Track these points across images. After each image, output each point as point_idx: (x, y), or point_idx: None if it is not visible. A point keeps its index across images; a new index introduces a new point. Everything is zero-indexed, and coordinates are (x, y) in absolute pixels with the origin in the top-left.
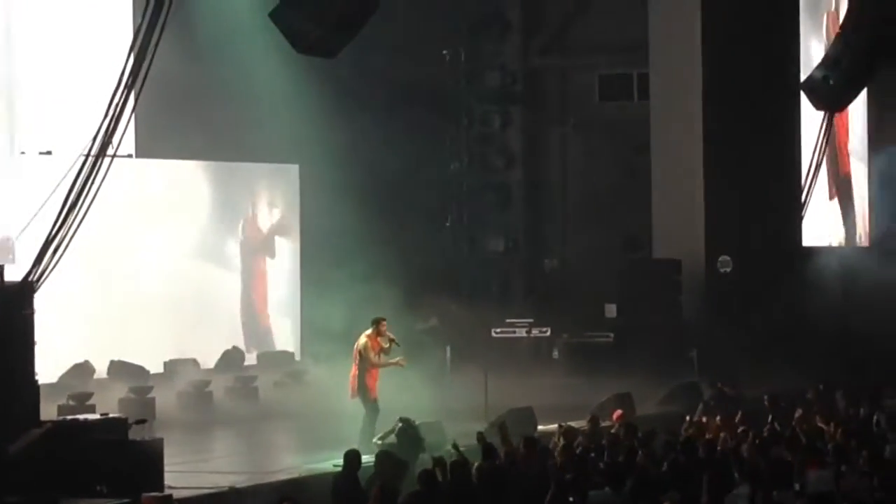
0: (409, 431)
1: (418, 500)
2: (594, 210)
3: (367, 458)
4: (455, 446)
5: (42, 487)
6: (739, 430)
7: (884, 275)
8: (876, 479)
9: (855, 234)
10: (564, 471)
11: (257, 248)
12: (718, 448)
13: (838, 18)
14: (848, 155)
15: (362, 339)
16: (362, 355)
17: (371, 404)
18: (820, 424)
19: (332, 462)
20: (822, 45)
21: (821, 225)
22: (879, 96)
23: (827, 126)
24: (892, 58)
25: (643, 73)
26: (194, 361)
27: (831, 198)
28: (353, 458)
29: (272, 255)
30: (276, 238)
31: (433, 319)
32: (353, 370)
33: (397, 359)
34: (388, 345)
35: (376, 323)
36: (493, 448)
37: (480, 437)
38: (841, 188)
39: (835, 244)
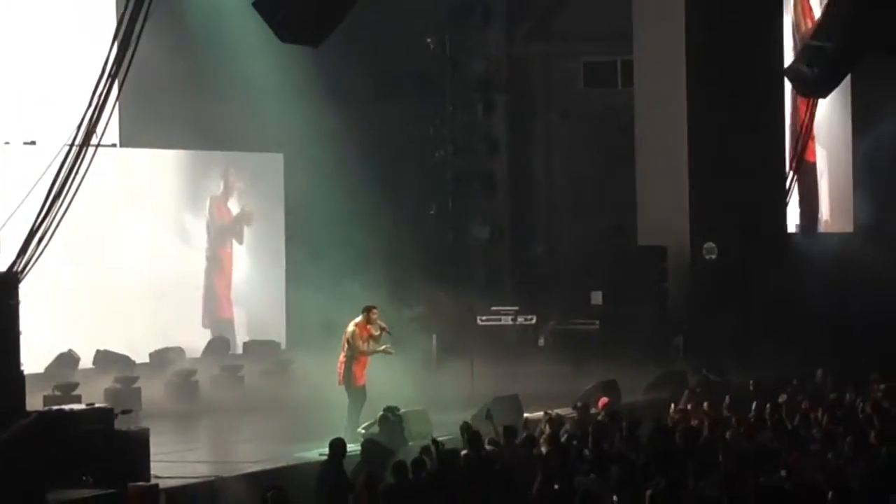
0: (391, 420)
1: (395, 491)
2: (579, 197)
3: (353, 447)
4: (435, 441)
5: (28, 478)
6: (725, 416)
7: (869, 260)
8: (862, 464)
9: (817, 220)
10: (550, 459)
11: (242, 237)
12: (704, 435)
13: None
14: (812, 140)
15: (350, 327)
16: (350, 343)
17: (357, 392)
18: (806, 410)
19: (319, 451)
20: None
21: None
22: (863, 80)
23: (810, 111)
24: (877, 42)
25: (627, 60)
26: (180, 351)
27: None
28: (338, 446)
29: (257, 244)
30: (262, 227)
31: (420, 307)
32: (341, 357)
33: (384, 346)
34: (378, 333)
35: (367, 311)
36: (480, 436)
37: (465, 426)
38: (801, 175)
39: (791, 230)
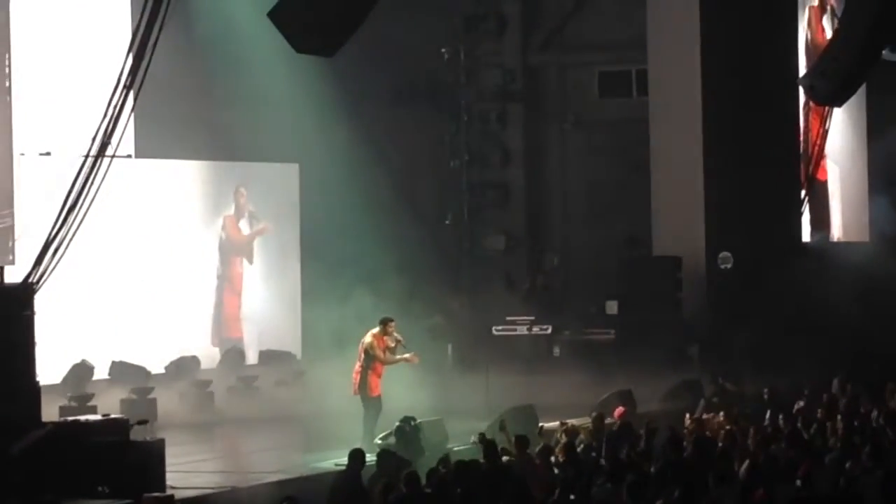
0: (407, 430)
1: (407, 501)
2: (594, 207)
3: (369, 458)
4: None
5: (43, 488)
6: (741, 425)
7: (885, 269)
8: (879, 474)
9: (829, 231)
10: (566, 469)
11: (258, 248)
12: (719, 445)
13: (821, 12)
14: (824, 158)
15: (368, 338)
16: (368, 353)
17: (373, 402)
18: (822, 419)
19: (334, 461)
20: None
21: None
22: (877, 93)
23: (824, 125)
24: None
25: (642, 70)
26: (196, 361)
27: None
28: (357, 456)
29: (273, 255)
30: (279, 237)
31: (436, 317)
32: (357, 367)
33: (409, 354)
34: (394, 345)
35: (384, 323)
36: (495, 446)
37: (482, 437)
38: (812, 192)
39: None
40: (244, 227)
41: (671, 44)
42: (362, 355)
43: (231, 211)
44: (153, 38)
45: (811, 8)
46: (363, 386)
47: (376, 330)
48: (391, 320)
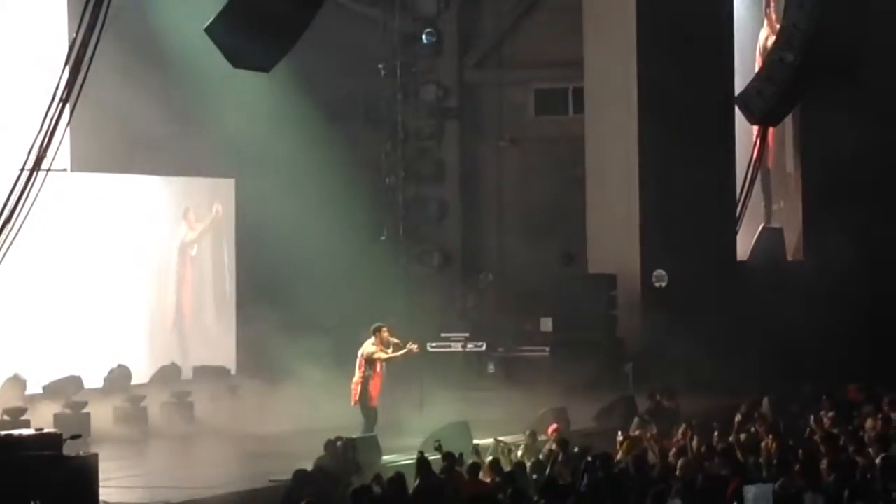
0: (339, 447)
1: None
2: (530, 224)
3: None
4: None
5: None
6: (675, 443)
7: (817, 287)
8: (812, 493)
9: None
10: (500, 486)
11: (193, 262)
12: (653, 462)
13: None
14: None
15: (369, 348)
16: (369, 361)
17: (371, 412)
18: (756, 437)
19: (269, 478)
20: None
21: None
22: (810, 111)
23: (761, 141)
24: (826, 73)
25: (578, 88)
26: (129, 376)
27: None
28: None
29: (208, 269)
30: (213, 252)
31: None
32: (357, 378)
33: (410, 346)
34: (390, 348)
35: (377, 331)
36: (429, 464)
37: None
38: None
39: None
40: (200, 238)
41: (607, 62)
42: (363, 365)
43: (186, 226)
44: (90, 53)
45: (769, 25)
46: (363, 396)
47: (372, 340)
48: (383, 327)
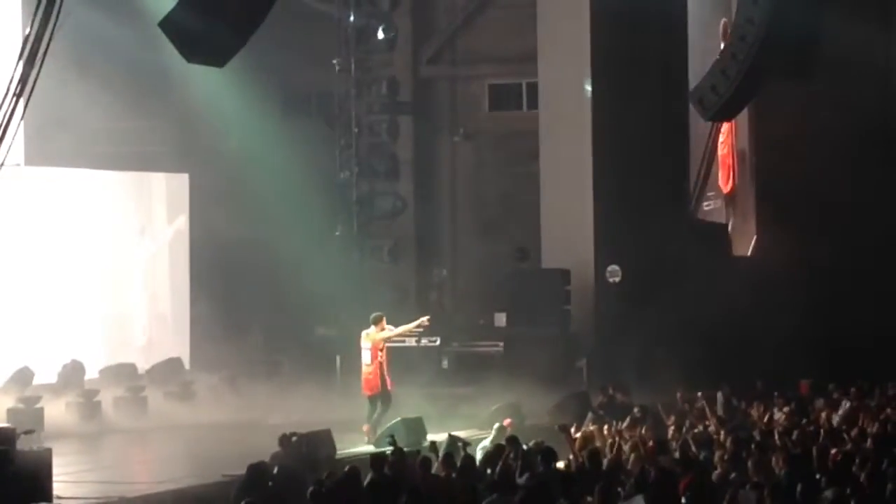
0: (294, 443)
1: None
2: (484, 219)
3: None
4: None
5: None
6: (627, 438)
7: (771, 282)
8: (766, 491)
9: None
10: (454, 481)
11: (148, 257)
12: (606, 457)
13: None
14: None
15: (377, 335)
16: (381, 347)
17: (389, 396)
18: (709, 432)
19: (222, 473)
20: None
21: None
22: (762, 109)
23: (713, 137)
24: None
25: (532, 83)
26: (84, 371)
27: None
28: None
29: (163, 264)
30: (168, 246)
31: (324, 329)
32: (374, 367)
33: (420, 319)
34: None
35: (378, 319)
36: (383, 458)
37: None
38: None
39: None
40: (155, 232)
41: (561, 57)
42: (378, 353)
43: (140, 221)
44: (44, 47)
45: (724, 23)
46: (382, 383)
47: (373, 328)
48: (382, 315)
